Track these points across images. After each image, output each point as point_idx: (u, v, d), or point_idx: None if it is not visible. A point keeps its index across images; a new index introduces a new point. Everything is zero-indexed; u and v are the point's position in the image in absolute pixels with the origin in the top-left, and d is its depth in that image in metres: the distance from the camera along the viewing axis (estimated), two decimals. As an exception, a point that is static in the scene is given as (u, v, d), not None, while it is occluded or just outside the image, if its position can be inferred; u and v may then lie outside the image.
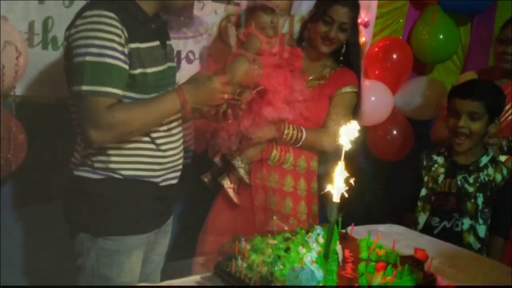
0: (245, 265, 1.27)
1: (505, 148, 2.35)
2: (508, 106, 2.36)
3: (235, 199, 2.11)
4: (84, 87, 1.47)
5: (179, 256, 2.17)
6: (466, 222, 2.10)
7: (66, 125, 1.85)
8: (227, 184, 2.11)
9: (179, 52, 2.38)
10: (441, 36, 3.13)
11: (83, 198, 1.64)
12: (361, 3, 2.94)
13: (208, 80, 1.64)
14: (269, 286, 1.18)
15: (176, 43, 2.31)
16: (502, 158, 2.36)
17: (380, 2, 3.06)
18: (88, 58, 1.46)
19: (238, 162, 2.09)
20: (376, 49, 3.07)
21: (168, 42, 1.76)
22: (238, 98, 1.78)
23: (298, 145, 2.08)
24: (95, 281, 1.60)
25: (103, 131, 1.50)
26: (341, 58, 2.20)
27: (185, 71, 2.34)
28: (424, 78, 3.29)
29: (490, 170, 2.12)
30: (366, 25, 2.95)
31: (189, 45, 2.43)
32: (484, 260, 1.81)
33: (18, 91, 1.98)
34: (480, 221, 2.09)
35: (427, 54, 3.20)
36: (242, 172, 2.08)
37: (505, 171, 2.12)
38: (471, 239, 2.09)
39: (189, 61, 2.44)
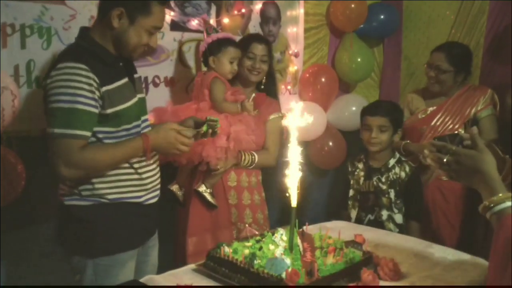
0: (231, 250, 1.58)
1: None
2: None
3: (212, 202, 2.36)
4: (56, 130, 1.62)
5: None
6: (385, 213, 2.47)
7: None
8: (204, 189, 2.35)
9: (146, 78, 2.58)
10: (359, 59, 3.47)
11: (75, 224, 1.75)
12: (290, 36, 3.35)
13: (176, 139, 1.79)
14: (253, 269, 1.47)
15: (143, 70, 2.52)
16: None
17: (305, 34, 3.38)
18: (60, 104, 1.61)
19: (203, 188, 2.36)
20: (307, 75, 3.37)
21: (136, 76, 1.88)
22: (214, 119, 1.95)
23: (252, 166, 2.43)
24: None
25: (73, 168, 1.64)
26: (262, 87, 2.53)
27: (153, 94, 2.59)
28: (349, 95, 3.64)
29: (397, 169, 2.49)
30: (296, 55, 3.29)
31: (154, 71, 2.63)
32: (406, 237, 2.16)
33: (9, 127, 2.06)
34: (395, 210, 2.47)
35: (349, 75, 3.54)
36: (208, 196, 2.35)
37: (407, 169, 2.50)
38: (391, 226, 2.45)
39: (156, 85, 2.65)
